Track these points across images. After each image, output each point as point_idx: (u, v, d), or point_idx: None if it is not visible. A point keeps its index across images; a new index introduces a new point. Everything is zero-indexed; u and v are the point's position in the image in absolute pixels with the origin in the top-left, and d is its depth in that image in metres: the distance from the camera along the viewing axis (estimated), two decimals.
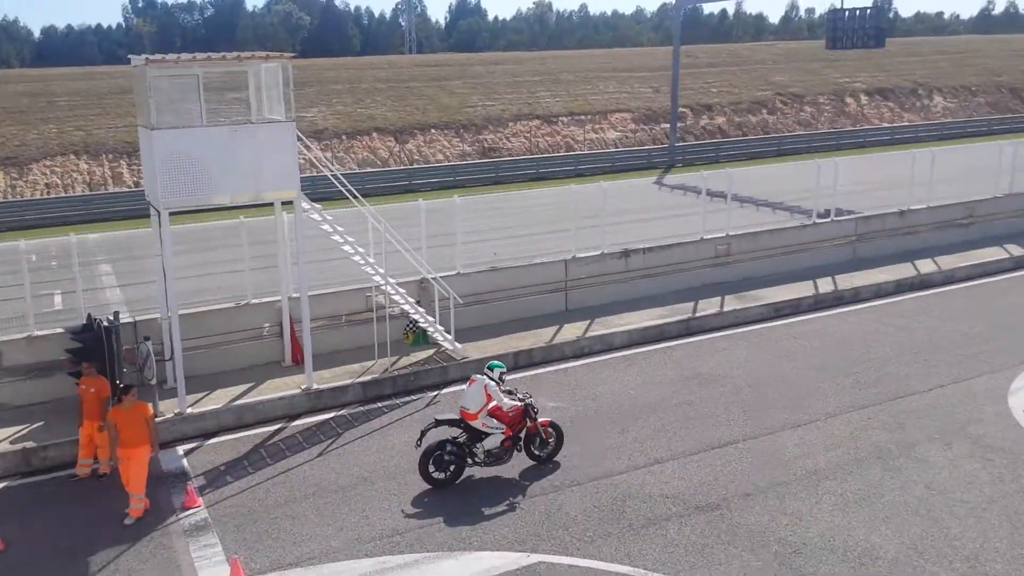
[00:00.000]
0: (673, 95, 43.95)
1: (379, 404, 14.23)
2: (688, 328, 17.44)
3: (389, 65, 55.40)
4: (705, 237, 19.91)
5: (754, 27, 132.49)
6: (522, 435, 11.66)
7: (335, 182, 14.50)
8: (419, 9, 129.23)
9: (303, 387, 14.11)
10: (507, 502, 10.93)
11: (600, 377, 15.17)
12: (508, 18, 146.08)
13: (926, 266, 20.88)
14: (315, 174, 27.38)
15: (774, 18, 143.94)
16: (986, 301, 18.91)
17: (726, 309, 18.11)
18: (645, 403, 13.89)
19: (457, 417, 11.43)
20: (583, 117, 47.40)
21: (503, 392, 11.52)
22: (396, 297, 15.12)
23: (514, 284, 17.62)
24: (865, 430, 12.66)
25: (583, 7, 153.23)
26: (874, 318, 18.01)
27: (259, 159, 13.09)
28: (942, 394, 13.91)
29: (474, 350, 15.75)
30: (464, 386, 12.00)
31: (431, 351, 15.79)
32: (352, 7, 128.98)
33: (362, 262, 14.54)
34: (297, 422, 13.62)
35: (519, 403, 11.66)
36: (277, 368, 15.21)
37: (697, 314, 17.79)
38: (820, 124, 51.93)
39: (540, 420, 11.80)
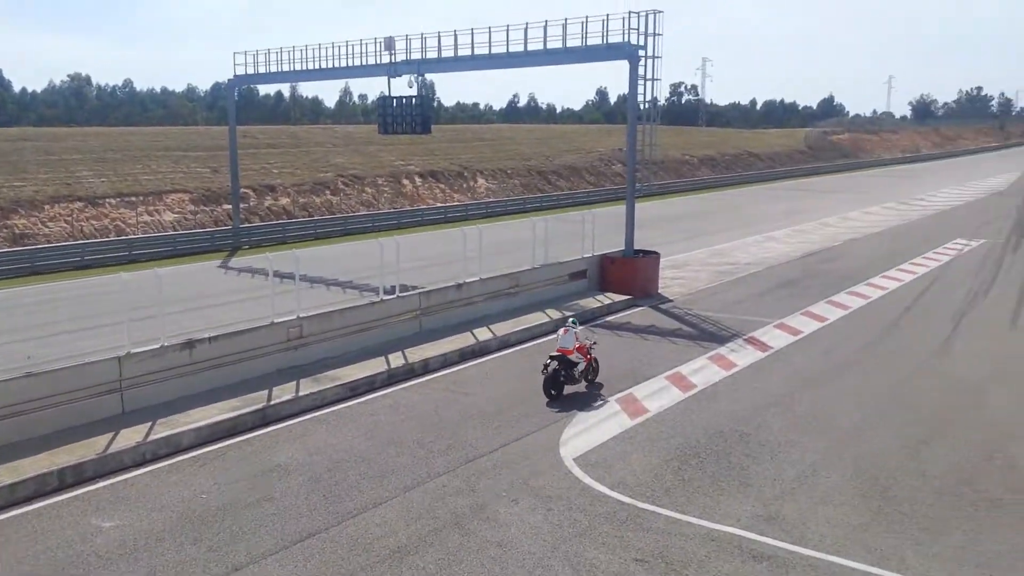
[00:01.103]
0: (233, 175, 42.94)
1: None
2: (264, 418, 16.67)
3: None
4: (276, 321, 19.38)
5: (311, 110, 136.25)
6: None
7: None
8: None
9: None
10: None
11: (168, 484, 13.71)
12: (39, 91, 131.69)
13: (484, 334, 22.67)
14: None
15: (330, 102, 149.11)
16: (537, 361, 20.98)
17: (303, 393, 17.70)
18: (220, 506, 12.82)
19: (559, 354, 17.77)
20: (134, 198, 44.06)
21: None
22: None
23: (57, 389, 15.30)
24: (442, 498, 13.07)
25: (128, 82, 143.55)
26: (443, 387, 18.95)
27: None
28: (506, 452, 14.97)
29: (8, 473, 13.27)
30: (559, 332, 18.56)
31: None
32: None
33: None
34: None
35: (588, 343, 18.74)
36: None
37: (273, 402, 17.11)
38: (381, 204, 54.63)
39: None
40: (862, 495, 13.11)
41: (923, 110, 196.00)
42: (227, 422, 16.05)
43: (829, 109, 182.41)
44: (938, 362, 20.50)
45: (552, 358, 17.83)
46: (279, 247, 39.89)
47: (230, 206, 44.63)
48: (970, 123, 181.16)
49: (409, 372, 19.87)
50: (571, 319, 19.03)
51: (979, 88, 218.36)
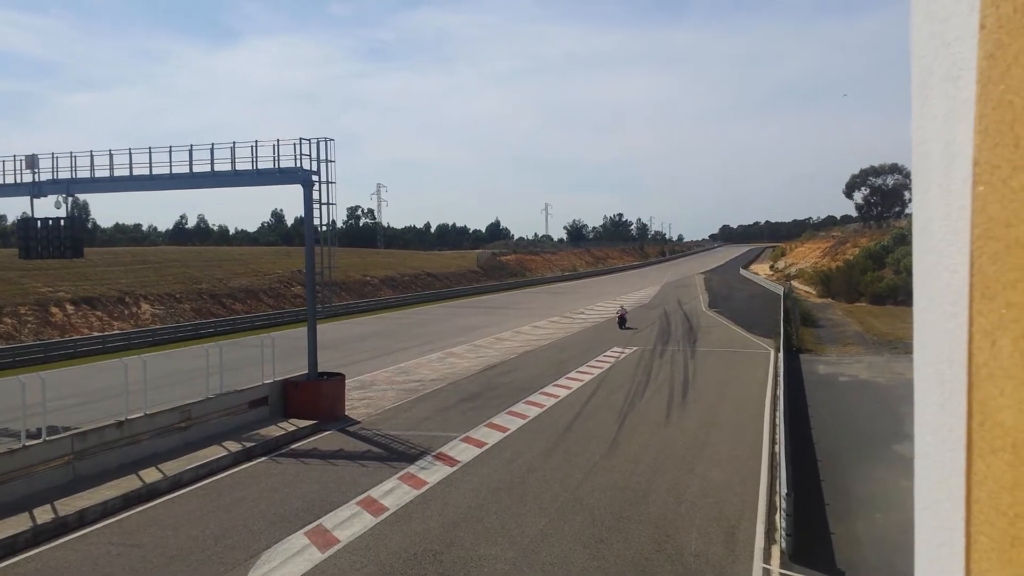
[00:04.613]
0: None
1: None
2: None
3: None
4: None
5: None
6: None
7: None
8: None
9: None
10: None
11: None
12: None
13: (151, 475, 20.44)
14: None
15: None
16: (215, 500, 19.32)
17: None
18: None
19: (621, 313, 55.79)
20: None
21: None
22: None
23: None
24: None
25: None
26: (105, 540, 16.64)
27: None
28: None
29: None
30: (619, 308, 57.22)
31: None
32: None
33: None
34: None
35: (627, 311, 58.16)
36: None
37: None
38: (24, 336, 48.39)
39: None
40: None
41: (576, 233, 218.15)
42: None
43: (496, 232, 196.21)
44: (607, 462, 22.06)
45: (619, 316, 54.34)
46: None
47: None
48: (615, 244, 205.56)
49: (61, 527, 17.23)
50: (623, 305, 59.41)
51: (620, 214, 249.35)
